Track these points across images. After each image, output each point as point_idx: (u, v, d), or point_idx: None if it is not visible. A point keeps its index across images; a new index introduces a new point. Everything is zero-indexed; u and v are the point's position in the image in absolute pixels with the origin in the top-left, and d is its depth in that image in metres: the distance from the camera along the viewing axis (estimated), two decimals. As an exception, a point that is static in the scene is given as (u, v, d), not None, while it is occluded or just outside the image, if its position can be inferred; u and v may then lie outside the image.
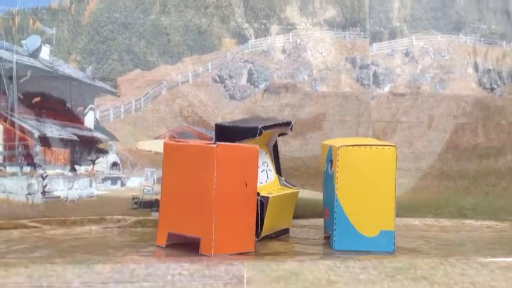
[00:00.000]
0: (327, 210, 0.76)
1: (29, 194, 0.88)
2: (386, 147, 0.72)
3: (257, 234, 0.75)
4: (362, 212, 0.72)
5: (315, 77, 0.98)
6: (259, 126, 0.75)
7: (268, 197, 0.75)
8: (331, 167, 0.73)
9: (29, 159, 0.89)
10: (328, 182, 0.75)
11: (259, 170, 0.80)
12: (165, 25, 0.94)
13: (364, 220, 0.72)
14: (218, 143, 0.67)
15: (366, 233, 0.72)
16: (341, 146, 0.71)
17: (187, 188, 0.69)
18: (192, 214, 0.68)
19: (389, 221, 0.72)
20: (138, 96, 0.93)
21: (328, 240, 0.76)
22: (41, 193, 0.89)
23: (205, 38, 0.96)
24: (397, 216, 0.86)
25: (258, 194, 0.74)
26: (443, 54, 1.03)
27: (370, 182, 0.71)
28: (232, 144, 0.70)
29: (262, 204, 0.75)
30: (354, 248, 0.71)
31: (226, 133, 0.77)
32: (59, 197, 0.89)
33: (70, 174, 0.90)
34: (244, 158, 0.68)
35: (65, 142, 0.91)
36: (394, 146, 0.72)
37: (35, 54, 0.91)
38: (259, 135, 0.75)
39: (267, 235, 0.77)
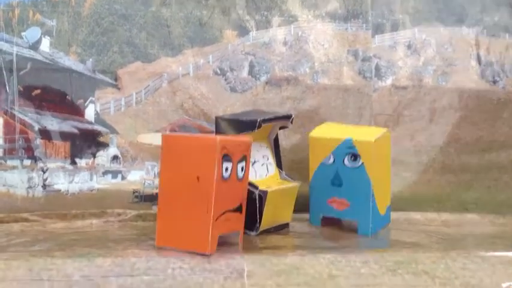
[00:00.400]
0: (341, 200, 0.78)
1: (30, 187, 0.88)
2: (387, 132, 0.80)
3: (256, 228, 0.75)
4: (381, 195, 0.78)
5: (316, 70, 0.98)
6: (258, 119, 0.75)
7: (266, 191, 0.75)
8: (353, 159, 0.75)
9: (30, 152, 0.89)
10: (346, 174, 0.77)
11: (259, 164, 0.80)
12: (165, 17, 0.94)
13: (381, 201, 0.78)
14: (172, 133, 0.67)
15: (381, 212, 0.78)
16: (374, 140, 0.76)
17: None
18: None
19: (389, 195, 0.81)
20: (139, 89, 0.93)
21: (323, 233, 0.77)
22: (42, 186, 0.89)
23: (206, 30, 0.95)
24: (398, 210, 0.87)
25: (257, 187, 0.74)
26: (445, 47, 1.02)
27: (385, 166, 0.79)
28: (185, 134, 0.70)
29: (261, 198, 0.75)
30: (378, 228, 0.78)
31: (226, 126, 0.77)
32: (60, 190, 0.89)
33: (70, 167, 0.90)
34: (199, 149, 0.64)
35: (65, 135, 0.91)
36: (387, 129, 0.81)
37: (35, 46, 0.90)
38: (258, 128, 0.75)
39: (266, 229, 0.77)
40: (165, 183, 0.66)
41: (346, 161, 0.76)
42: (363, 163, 0.75)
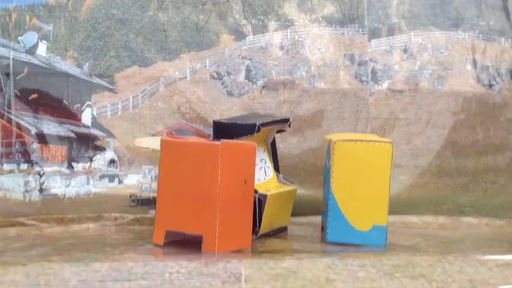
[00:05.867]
0: (323, 203, 0.76)
1: (26, 191, 0.88)
2: (382, 143, 0.72)
3: (255, 232, 0.75)
4: (355, 206, 0.73)
5: (313, 74, 0.98)
6: (257, 123, 0.75)
7: (266, 195, 0.75)
8: (329, 161, 0.74)
9: (26, 156, 0.89)
10: (326, 176, 0.75)
11: (257, 168, 0.80)
12: (162, 21, 0.94)
13: (357, 214, 0.73)
14: (222, 140, 0.67)
15: (358, 226, 0.73)
16: (338, 140, 0.72)
17: (188, 186, 0.68)
18: (194, 212, 0.67)
19: (382, 216, 0.73)
20: (136, 93, 0.93)
21: (321, 236, 0.77)
22: (38, 190, 0.89)
23: (203, 34, 0.95)
24: (395, 213, 0.86)
25: (256, 191, 0.74)
26: (441, 51, 1.02)
27: (364, 176, 0.72)
28: (233, 141, 0.70)
29: (260, 201, 0.74)
30: (346, 240, 0.72)
31: (224, 130, 0.76)
32: (57, 194, 0.89)
33: (67, 171, 0.90)
34: (244, 155, 0.68)
35: (62, 139, 0.90)
36: (391, 142, 0.73)
37: (31, 50, 0.90)
38: (257, 132, 0.75)
39: (265, 233, 0.77)
40: (223, 191, 0.66)
41: (327, 163, 0.76)
42: (330, 165, 0.73)
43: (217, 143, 0.66)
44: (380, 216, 0.73)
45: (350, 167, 0.72)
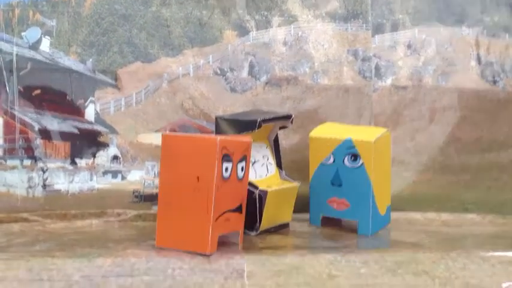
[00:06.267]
0: (341, 200, 0.78)
1: (30, 187, 0.88)
2: (387, 133, 0.80)
3: (256, 228, 0.75)
4: (381, 195, 0.78)
5: (316, 70, 0.98)
6: (258, 119, 0.75)
7: (266, 191, 0.75)
8: (353, 160, 0.75)
9: (30, 152, 0.89)
10: (346, 174, 0.77)
11: (260, 164, 0.80)
12: (165, 17, 0.94)
13: (381, 201, 0.78)
14: (172, 133, 0.67)
15: (381, 212, 0.78)
16: (374, 140, 0.76)
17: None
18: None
19: (389, 195, 0.81)
20: (139, 89, 0.93)
21: (323, 233, 0.77)
22: (42, 186, 0.89)
23: (206, 30, 0.95)
24: (398, 210, 0.87)
25: (257, 187, 0.75)
26: (445, 47, 1.02)
27: (385, 166, 0.79)
28: (185, 134, 0.70)
29: (260, 198, 0.75)
30: (378, 228, 0.78)
31: (226, 126, 0.77)
32: (60, 190, 0.89)
33: (70, 167, 0.90)
34: (199, 149, 0.65)
35: (65, 135, 0.91)
36: (388, 129, 0.81)
37: (35, 46, 0.90)
38: (258, 127, 0.75)
39: (266, 229, 0.77)
40: (164, 183, 0.66)
41: (346, 161, 0.77)
42: (363, 163, 0.76)
43: (163, 134, 0.67)
44: (388, 196, 0.81)
45: (379, 161, 0.77)
